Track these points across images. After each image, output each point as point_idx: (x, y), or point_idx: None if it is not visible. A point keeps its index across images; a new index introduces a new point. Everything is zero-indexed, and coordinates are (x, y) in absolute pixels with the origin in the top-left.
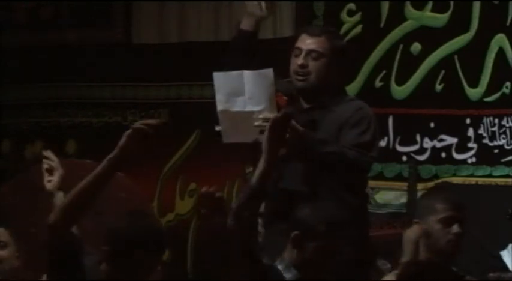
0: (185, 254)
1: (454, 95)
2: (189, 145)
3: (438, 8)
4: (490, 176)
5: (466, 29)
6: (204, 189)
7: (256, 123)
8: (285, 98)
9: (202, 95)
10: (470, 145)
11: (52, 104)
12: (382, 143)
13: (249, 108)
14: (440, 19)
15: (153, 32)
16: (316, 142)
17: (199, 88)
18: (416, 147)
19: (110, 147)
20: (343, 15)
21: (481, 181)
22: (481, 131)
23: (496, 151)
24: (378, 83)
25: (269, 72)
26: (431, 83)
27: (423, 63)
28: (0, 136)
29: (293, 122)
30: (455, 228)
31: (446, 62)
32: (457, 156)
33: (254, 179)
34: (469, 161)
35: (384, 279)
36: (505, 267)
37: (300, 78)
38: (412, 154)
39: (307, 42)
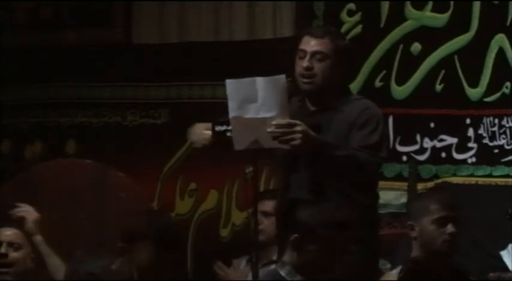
0: (185, 254)
1: (454, 95)
2: (189, 145)
3: (438, 8)
4: (490, 176)
5: (466, 29)
6: None
7: (269, 130)
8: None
9: (202, 95)
10: (470, 145)
11: (52, 104)
12: None
13: (261, 115)
14: (440, 19)
15: (153, 32)
16: (328, 146)
17: (199, 88)
18: (416, 147)
19: (110, 147)
20: (343, 15)
21: (481, 181)
22: (481, 131)
23: (496, 151)
24: (378, 83)
25: (281, 78)
26: (431, 83)
27: (423, 63)
28: (0, 136)
29: (305, 126)
30: (450, 228)
31: (446, 62)
32: (457, 156)
33: None
34: (469, 161)
35: (383, 279)
36: (505, 267)
37: (306, 81)
38: (412, 154)
39: (311, 44)
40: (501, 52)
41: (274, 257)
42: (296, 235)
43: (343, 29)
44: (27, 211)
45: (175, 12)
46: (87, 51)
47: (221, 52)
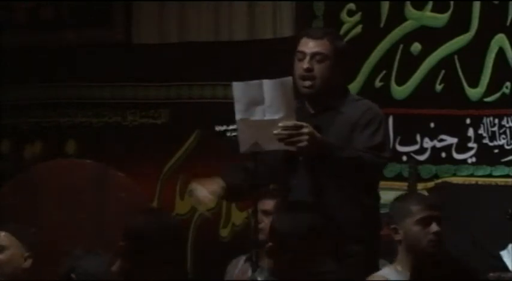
0: (185, 254)
1: (454, 95)
2: (189, 145)
3: (438, 8)
4: (490, 176)
5: (466, 29)
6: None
7: (275, 132)
8: None
9: (202, 95)
10: (470, 145)
11: (52, 104)
12: None
13: (268, 117)
14: (440, 19)
15: (153, 32)
16: (334, 147)
17: (199, 88)
18: (416, 147)
19: (110, 147)
20: (343, 15)
21: (481, 181)
22: (481, 131)
23: (496, 151)
24: (378, 83)
25: (288, 80)
26: (431, 83)
27: (423, 63)
28: (0, 136)
29: (312, 128)
30: (434, 227)
31: (446, 62)
32: (457, 156)
33: None
34: (469, 161)
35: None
36: (505, 267)
37: (307, 84)
38: (412, 154)
39: (310, 46)
40: (501, 52)
41: None
42: (271, 243)
43: (343, 29)
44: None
45: (175, 12)
46: (87, 51)
47: (221, 52)
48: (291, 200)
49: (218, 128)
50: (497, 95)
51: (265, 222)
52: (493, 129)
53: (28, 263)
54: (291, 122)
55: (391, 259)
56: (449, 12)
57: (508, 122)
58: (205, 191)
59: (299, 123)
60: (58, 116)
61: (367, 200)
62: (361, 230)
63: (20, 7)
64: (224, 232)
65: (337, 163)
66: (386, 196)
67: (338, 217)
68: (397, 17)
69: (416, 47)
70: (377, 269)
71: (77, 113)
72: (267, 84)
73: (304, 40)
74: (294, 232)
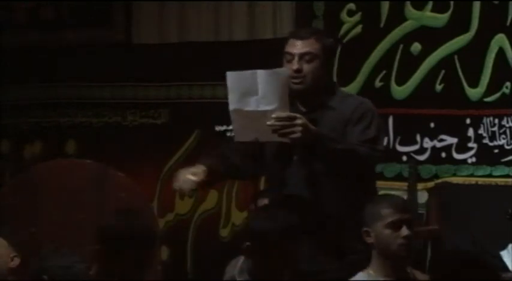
0: (185, 254)
1: (454, 95)
2: (189, 144)
3: (438, 8)
4: (490, 176)
5: (466, 29)
6: None
7: (269, 123)
8: None
9: (202, 95)
10: (470, 145)
11: (52, 104)
12: None
13: (261, 108)
14: (440, 19)
15: (153, 32)
16: (328, 139)
17: (199, 88)
18: (416, 147)
19: (110, 147)
20: (343, 15)
21: (481, 181)
22: (481, 131)
23: (496, 151)
24: (378, 83)
25: (283, 71)
26: (431, 83)
27: (423, 63)
28: (0, 136)
29: (305, 120)
30: (404, 231)
31: (446, 62)
32: (457, 156)
33: None
34: (469, 161)
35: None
36: (505, 267)
37: (296, 81)
38: (412, 154)
39: (298, 47)
40: (501, 52)
41: None
42: (248, 243)
43: (343, 29)
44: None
45: (175, 12)
46: (87, 51)
47: (221, 52)
48: (284, 195)
49: (218, 128)
50: (497, 95)
51: None
52: (493, 129)
53: (15, 262)
54: (284, 113)
55: None
56: (449, 12)
57: (508, 122)
58: (187, 173)
59: (293, 114)
60: (58, 116)
61: (364, 200)
62: (359, 229)
63: (20, 7)
64: (224, 232)
65: (331, 154)
66: None
67: (336, 215)
68: (397, 17)
69: (416, 47)
70: None
71: (77, 113)
72: (261, 74)
73: (291, 41)
74: (271, 231)
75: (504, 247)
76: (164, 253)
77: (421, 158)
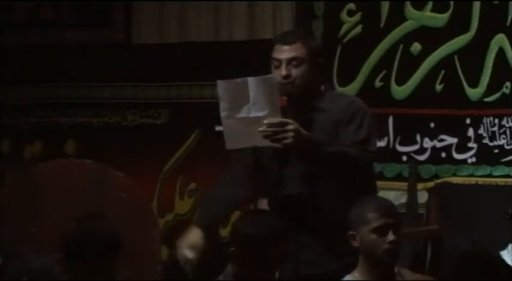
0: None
1: (454, 95)
2: (188, 144)
3: (438, 8)
4: (490, 176)
5: (466, 29)
6: None
7: (260, 129)
8: (285, 98)
9: (202, 95)
10: (470, 145)
11: (52, 104)
12: (382, 143)
13: (253, 114)
14: (440, 19)
15: (153, 32)
16: (320, 143)
17: (199, 88)
18: (416, 147)
19: (110, 147)
20: (343, 15)
21: (481, 181)
22: (481, 131)
23: (496, 151)
24: (378, 83)
25: (272, 77)
26: (431, 83)
27: (423, 63)
28: (0, 136)
29: (297, 125)
30: (390, 236)
31: (446, 62)
32: (457, 156)
33: None
34: (469, 161)
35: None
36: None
37: (286, 85)
38: (412, 154)
39: (284, 52)
40: (501, 52)
41: None
42: (233, 248)
43: (343, 29)
44: None
45: (175, 12)
46: (87, 51)
47: (221, 52)
48: (283, 195)
49: (218, 128)
50: (497, 95)
51: None
52: (493, 129)
53: None
54: (276, 119)
55: None
56: (449, 12)
57: (508, 122)
58: (184, 247)
59: (284, 120)
60: (58, 116)
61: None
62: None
63: (20, 7)
64: (224, 232)
65: (323, 157)
66: (387, 196)
67: (334, 216)
68: (397, 17)
69: (416, 47)
70: None
71: (77, 113)
72: (251, 81)
73: (277, 47)
74: (255, 236)
75: (504, 247)
76: (164, 253)
77: (421, 158)
